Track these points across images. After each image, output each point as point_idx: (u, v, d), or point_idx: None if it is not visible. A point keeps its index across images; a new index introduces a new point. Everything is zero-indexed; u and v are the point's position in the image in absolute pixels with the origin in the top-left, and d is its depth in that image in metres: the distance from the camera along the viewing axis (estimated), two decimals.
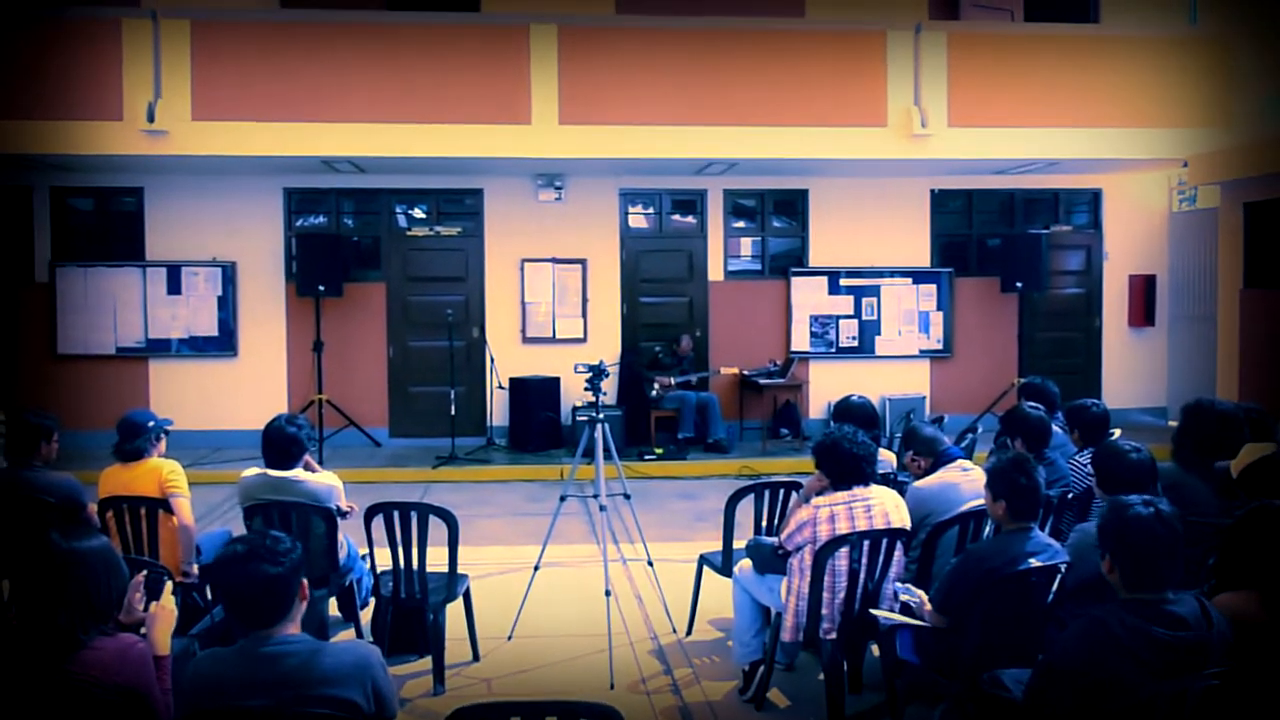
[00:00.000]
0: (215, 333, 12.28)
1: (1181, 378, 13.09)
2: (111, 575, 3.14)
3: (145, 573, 3.56)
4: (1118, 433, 5.82)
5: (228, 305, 12.27)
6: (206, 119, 10.36)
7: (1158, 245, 13.43)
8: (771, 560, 5.04)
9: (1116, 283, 13.43)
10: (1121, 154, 11.38)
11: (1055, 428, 6.17)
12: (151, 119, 10.17)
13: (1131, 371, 13.43)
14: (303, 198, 12.56)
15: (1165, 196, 13.41)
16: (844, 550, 4.69)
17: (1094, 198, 13.46)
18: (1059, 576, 4.24)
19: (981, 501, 4.64)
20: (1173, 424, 5.26)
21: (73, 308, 12.10)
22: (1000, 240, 13.16)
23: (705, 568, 6.18)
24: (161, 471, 5.44)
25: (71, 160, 11.04)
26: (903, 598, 4.58)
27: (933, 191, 13.09)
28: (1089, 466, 5.10)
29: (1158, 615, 3.17)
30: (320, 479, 5.57)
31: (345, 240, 12.43)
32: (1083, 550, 4.28)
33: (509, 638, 6.04)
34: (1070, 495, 5.45)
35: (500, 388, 12.13)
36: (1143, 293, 13.35)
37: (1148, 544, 3.22)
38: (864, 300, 12.96)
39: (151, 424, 5.56)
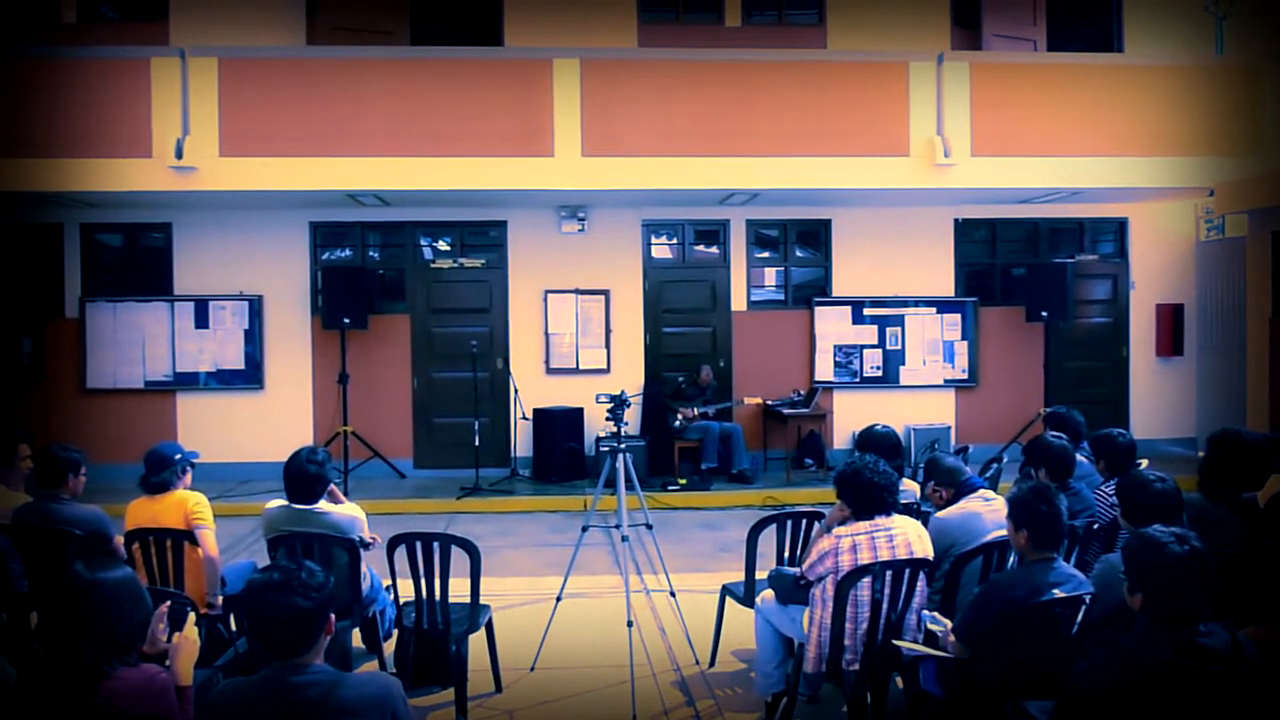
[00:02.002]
0: (242, 366, 12.38)
1: (1210, 408, 12.97)
2: (134, 606, 3.17)
3: (169, 603, 3.58)
4: (1145, 463, 5.77)
5: (254, 338, 12.37)
6: (234, 155, 10.48)
7: (1185, 274, 13.35)
8: (793, 590, 5.02)
9: (1143, 312, 13.35)
10: (1147, 183, 11.33)
11: (1081, 458, 6.13)
12: (180, 155, 10.30)
13: (1160, 401, 13.33)
14: (328, 231, 12.67)
15: (1192, 225, 13.34)
16: (866, 580, 4.67)
17: (1120, 227, 13.41)
18: (1084, 607, 4.20)
19: (1005, 532, 4.61)
20: (1202, 454, 5.21)
21: (102, 342, 12.24)
22: (1025, 269, 13.12)
23: (728, 598, 6.16)
24: (187, 504, 5.48)
25: (101, 197, 11.19)
26: (930, 626, 4.55)
27: (956, 221, 13.07)
28: (1114, 496, 5.06)
29: (1188, 647, 3.13)
30: (343, 510, 5.59)
31: (370, 273, 12.53)
32: (1108, 581, 4.24)
33: (531, 669, 6.03)
34: (1096, 526, 5.41)
35: (524, 418, 12.16)
36: (1170, 322, 13.26)
37: (1177, 578, 3.18)
38: (888, 330, 12.94)
39: (178, 457, 5.61)
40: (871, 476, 4.75)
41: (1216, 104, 11.29)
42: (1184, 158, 11.22)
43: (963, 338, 13.00)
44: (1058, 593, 4.14)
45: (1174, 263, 13.36)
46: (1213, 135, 11.25)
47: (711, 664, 6.13)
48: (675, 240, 13.10)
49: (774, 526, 5.97)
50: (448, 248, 12.88)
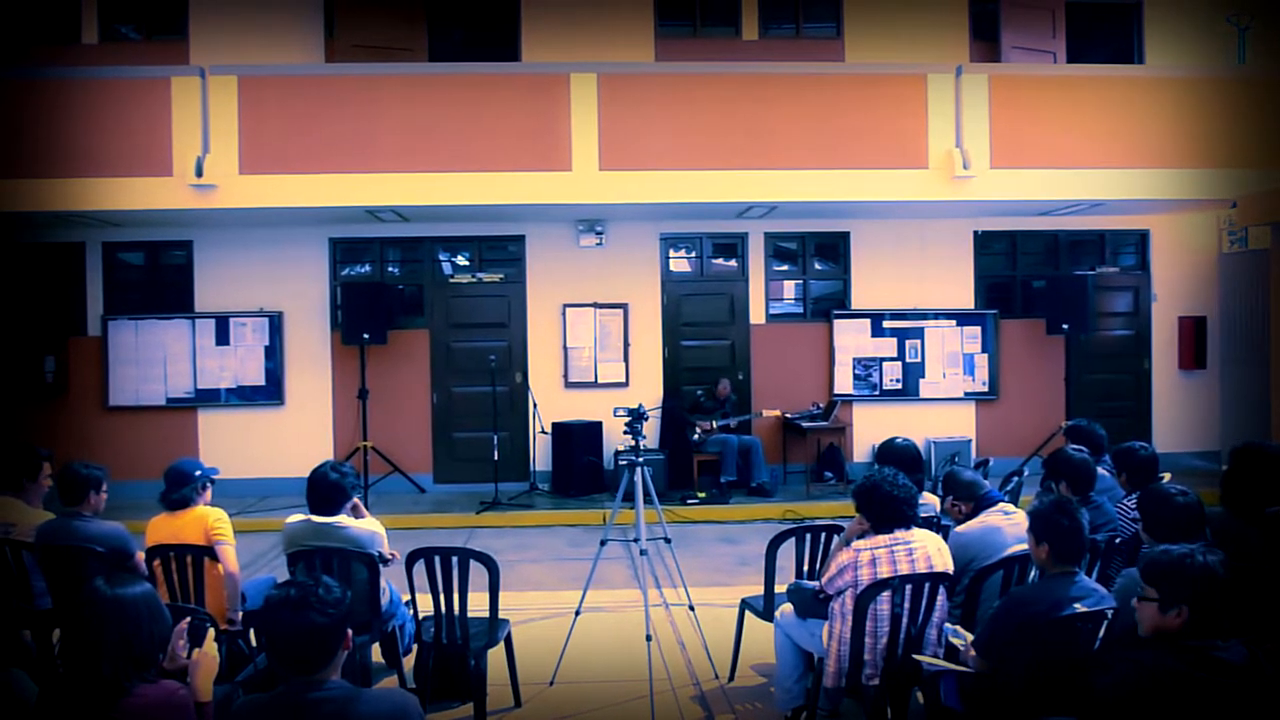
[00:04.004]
0: (262, 382, 12.44)
1: (1234, 421, 12.85)
2: (154, 622, 3.18)
3: (188, 619, 3.59)
4: (1167, 476, 5.72)
5: (275, 355, 12.43)
6: (253, 172, 10.54)
7: (1207, 287, 13.27)
8: (813, 604, 4.99)
9: (1166, 325, 13.27)
10: (1168, 195, 11.25)
11: (1102, 471, 6.08)
12: (200, 173, 10.37)
13: (1182, 415, 13.23)
14: (348, 247, 12.73)
15: (1214, 237, 13.26)
16: (886, 594, 4.64)
17: (1141, 239, 13.34)
18: (1105, 622, 4.16)
19: (1026, 545, 4.58)
20: (1225, 468, 5.16)
21: (123, 360, 12.31)
22: (1045, 282, 13.05)
23: (747, 612, 6.14)
24: (207, 519, 5.50)
25: (122, 215, 11.27)
26: (951, 640, 4.52)
27: (976, 233, 13.03)
28: (1136, 510, 5.02)
29: (1204, 661, 3.11)
30: (363, 525, 5.59)
31: (389, 288, 12.57)
32: (1131, 596, 4.20)
33: (551, 683, 6.01)
34: (1118, 540, 5.36)
35: (543, 432, 12.17)
36: (1192, 335, 13.17)
37: (1223, 591, 3.18)
38: (907, 342, 12.90)
39: (198, 473, 5.63)
40: (891, 490, 4.72)
41: (1239, 115, 11.21)
42: (1206, 169, 11.13)
43: (983, 350, 12.95)
44: (1079, 607, 4.10)
45: (1196, 275, 13.27)
46: (1235, 147, 11.16)
47: (731, 678, 6.10)
48: (693, 253, 13.11)
49: (793, 540, 5.94)
50: (466, 262, 12.92)
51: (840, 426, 12.37)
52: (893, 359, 12.91)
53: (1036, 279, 13.24)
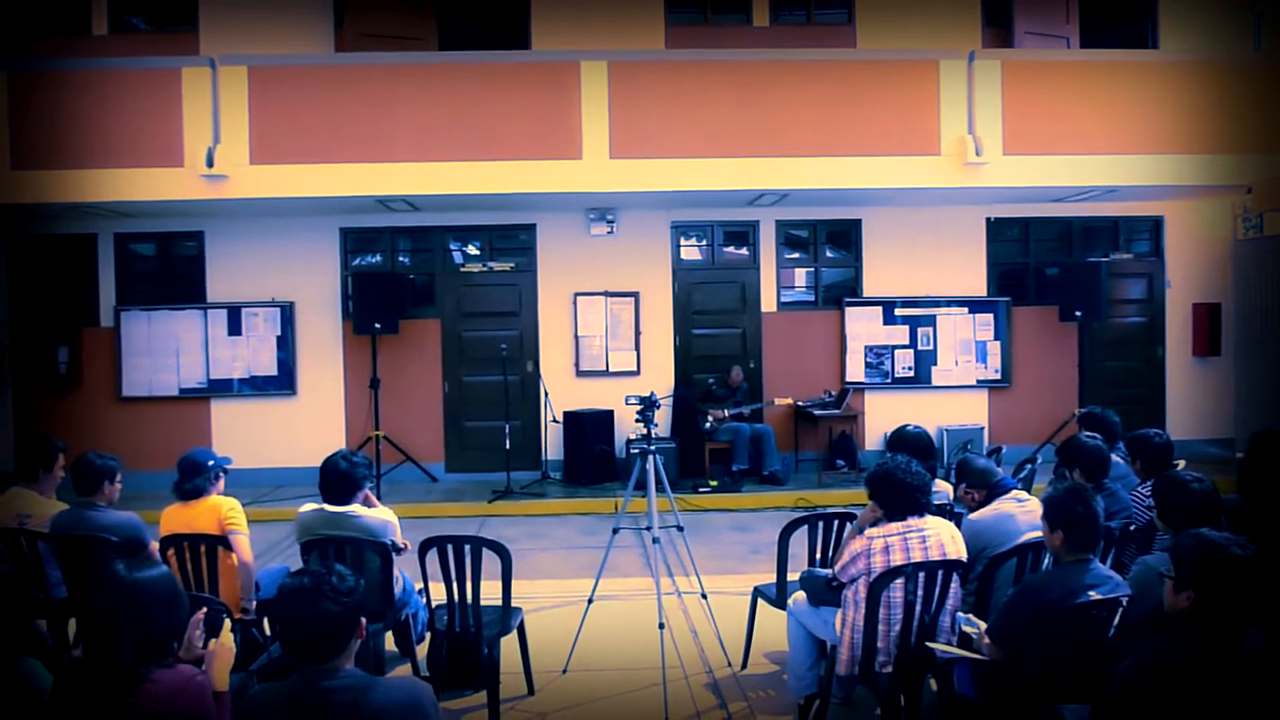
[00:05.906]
0: (275, 372, 12.46)
1: (1249, 408, 12.77)
2: (173, 606, 3.18)
3: (205, 610, 3.59)
4: (1182, 464, 5.70)
5: (287, 345, 12.45)
6: (264, 162, 10.55)
7: (1222, 273, 13.18)
8: (826, 592, 4.99)
9: (1179, 311, 13.21)
10: (1182, 180, 11.17)
11: (1117, 458, 6.06)
12: (211, 164, 10.38)
13: (1196, 402, 13.17)
14: (359, 237, 12.73)
15: (1229, 223, 13.16)
16: (899, 582, 4.63)
17: (1155, 225, 13.27)
18: (1120, 610, 4.15)
19: (1039, 533, 4.56)
20: (1240, 455, 5.13)
21: (136, 350, 12.35)
22: (1058, 269, 13.00)
23: (760, 600, 6.14)
24: (221, 509, 5.52)
25: (134, 206, 11.30)
26: (965, 629, 4.51)
27: (988, 220, 12.97)
28: (1151, 497, 5.00)
29: (1219, 649, 3.09)
30: (376, 514, 5.60)
31: (401, 278, 12.58)
32: (1146, 583, 4.19)
33: (563, 671, 6.02)
34: (1132, 527, 5.34)
35: (555, 421, 12.18)
36: (1207, 321, 13.10)
37: (1234, 581, 3.14)
38: (919, 330, 12.86)
39: (211, 463, 5.64)
40: (904, 477, 4.71)
41: (1254, 100, 11.12)
42: (1220, 155, 11.06)
43: (995, 338, 12.90)
44: (1094, 595, 4.09)
45: (1211, 261, 13.20)
46: (1250, 132, 11.07)
47: (744, 666, 6.10)
48: (704, 242, 13.08)
49: (806, 528, 5.94)
50: (477, 251, 12.91)
51: (852, 414, 12.34)
52: (904, 346, 12.88)
53: (1049, 266, 13.19)
